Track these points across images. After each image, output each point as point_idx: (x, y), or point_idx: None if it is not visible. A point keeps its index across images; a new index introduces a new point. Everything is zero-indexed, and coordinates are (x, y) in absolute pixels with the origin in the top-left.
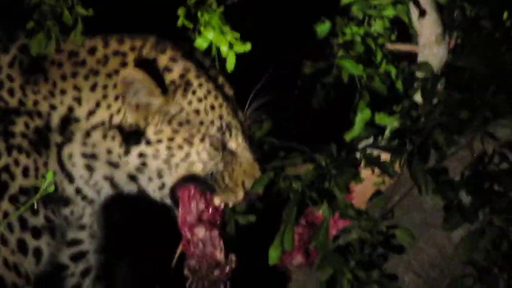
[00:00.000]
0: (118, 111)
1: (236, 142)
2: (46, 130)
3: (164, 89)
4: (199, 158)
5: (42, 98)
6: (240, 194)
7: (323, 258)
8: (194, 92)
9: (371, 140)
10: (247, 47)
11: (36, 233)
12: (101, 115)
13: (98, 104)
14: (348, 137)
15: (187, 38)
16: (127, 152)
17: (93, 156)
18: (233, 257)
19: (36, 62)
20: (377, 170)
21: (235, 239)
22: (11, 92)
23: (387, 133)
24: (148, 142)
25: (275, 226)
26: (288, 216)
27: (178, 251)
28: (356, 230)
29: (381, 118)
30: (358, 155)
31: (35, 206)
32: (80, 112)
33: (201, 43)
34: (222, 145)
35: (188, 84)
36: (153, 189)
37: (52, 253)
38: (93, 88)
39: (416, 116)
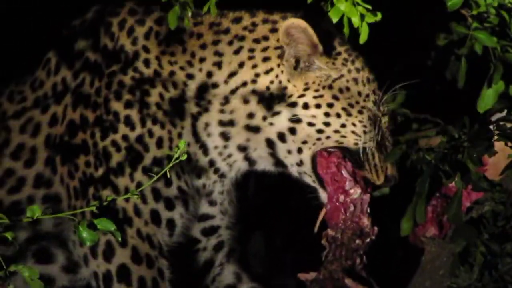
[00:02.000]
0: (268, 72)
1: (385, 121)
2: (181, 100)
3: (327, 51)
4: (354, 131)
5: (179, 68)
6: (382, 178)
7: (456, 230)
8: (353, 62)
9: (504, 112)
10: (378, 17)
11: (170, 204)
12: (244, 75)
13: (241, 65)
14: (481, 109)
15: (319, 11)
16: (275, 114)
17: (230, 123)
18: (376, 228)
19: (173, 33)
20: (510, 143)
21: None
22: (146, 63)
23: None
24: (306, 106)
25: (408, 198)
26: (420, 188)
27: (320, 217)
28: (490, 202)
29: None
30: (491, 127)
31: (168, 176)
32: (220, 76)
33: (334, 14)
34: (377, 121)
35: (348, 53)
36: (291, 163)
37: (185, 225)
38: (237, 51)
39: None
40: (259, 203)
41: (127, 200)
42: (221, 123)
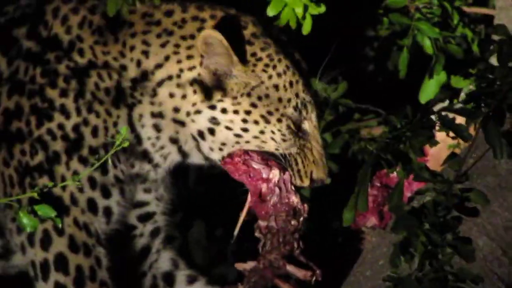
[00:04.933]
0: (191, 68)
1: (310, 123)
2: (116, 90)
3: (245, 60)
4: (273, 138)
5: (112, 58)
6: (306, 183)
7: (397, 220)
8: (274, 67)
9: (446, 103)
10: (322, 9)
11: (106, 192)
12: (169, 69)
13: (167, 58)
14: (423, 99)
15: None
16: (197, 112)
17: (160, 115)
18: (306, 205)
19: (107, 22)
20: (452, 133)
21: (310, 201)
22: (81, 53)
23: (462, 96)
24: (224, 111)
25: (349, 189)
26: (362, 178)
27: (240, 220)
28: (431, 193)
29: (457, 81)
30: (433, 118)
31: (108, 163)
32: (147, 65)
33: (274, 7)
34: (297, 126)
35: (269, 58)
36: (215, 160)
37: (122, 213)
38: (163, 45)
39: (492, 79)
40: (200, 192)
41: (63, 189)
42: (153, 114)
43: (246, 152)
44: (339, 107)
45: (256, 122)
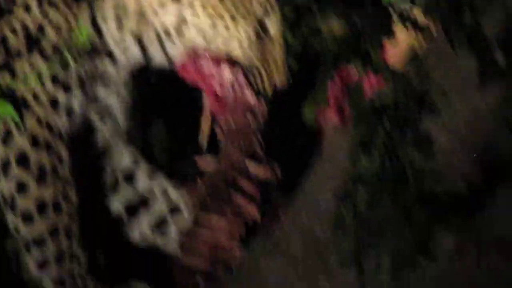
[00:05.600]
0: None
1: (273, 28)
2: None
3: None
4: (239, 39)
5: None
6: (270, 89)
7: (357, 117)
8: None
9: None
10: None
11: (68, 89)
12: None
13: None
14: None
15: None
16: (162, 6)
17: (123, 8)
18: (263, 104)
19: None
20: (412, 34)
21: (270, 101)
22: None
23: None
24: (191, 5)
25: (310, 87)
26: (323, 74)
27: (204, 123)
28: (391, 91)
29: None
30: (391, 11)
31: (68, 61)
32: None
33: None
34: (264, 28)
35: None
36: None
37: (83, 110)
38: None
39: None
40: (161, 91)
41: (25, 86)
42: (115, 7)
43: (198, 55)
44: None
45: (221, 18)
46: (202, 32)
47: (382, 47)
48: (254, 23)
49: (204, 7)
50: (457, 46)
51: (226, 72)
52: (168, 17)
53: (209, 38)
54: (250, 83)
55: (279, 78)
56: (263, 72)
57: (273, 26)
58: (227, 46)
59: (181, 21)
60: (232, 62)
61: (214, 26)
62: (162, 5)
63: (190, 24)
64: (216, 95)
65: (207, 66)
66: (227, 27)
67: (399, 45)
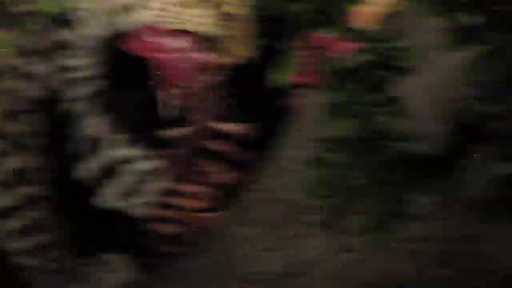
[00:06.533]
0: None
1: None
2: None
3: None
4: (201, 14)
5: None
6: (233, 61)
7: (328, 80)
8: None
9: None
10: None
11: (45, 53)
12: None
13: None
14: None
15: None
16: None
17: None
18: (213, 59)
19: None
20: None
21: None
22: None
23: None
24: None
25: (278, 51)
26: (291, 39)
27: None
28: (362, 53)
29: None
30: None
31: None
32: None
33: None
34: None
35: None
36: None
37: (47, 78)
38: None
39: None
40: (129, 61)
41: None
42: None
43: (141, 28)
44: None
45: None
46: (162, 10)
47: (351, 8)
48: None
49: None
50: (431, 5)
51: (175, 41)
52: None
53: (168, 15)
54: (205, 49)
55: (246, 46)
56: (226, 41)
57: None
58: (186, 21)
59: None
60: (184, 32)
61: (174, 4)
62: None
63: (152, 3)
64: (162, 63)
65: (153, 37)
66: (188, 6)
67: (373, 4)
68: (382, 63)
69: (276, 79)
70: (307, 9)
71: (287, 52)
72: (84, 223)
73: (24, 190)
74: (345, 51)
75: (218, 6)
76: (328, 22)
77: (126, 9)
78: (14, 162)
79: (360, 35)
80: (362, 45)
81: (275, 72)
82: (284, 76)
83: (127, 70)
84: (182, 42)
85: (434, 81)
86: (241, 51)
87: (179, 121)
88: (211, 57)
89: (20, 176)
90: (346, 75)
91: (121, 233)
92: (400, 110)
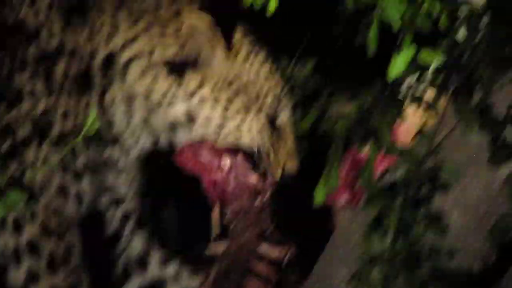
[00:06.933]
0: (165, 47)
1: (284, 116)
2: (87, 73)
3: (229, 47)
4: (251, 130)
5: (83, 40)
6: (278, 175)
7: (369, 197)
8: (255, 57)
9: (415, 78)
10: None
11: (77, 177)
12: (139, 46)
13: (137, 36)
14: (392, 75)
15: None
16: (173, 98)
17: (133, 97)
18: (270, 178)
19: (76, 3)
20: (421, 109)
21: (281, 185)
22: (51, 35)
23: (431, 70)
24: (203, 99)
25: (321, 168)
26: (333, 155)
27: (215, 216)
28: (402, 169)
29: (426, 55)
30: (402, 93)
31: (76, 149)
32: (117, 41)
33: None
34: (273, 119)
35: (249, 48)
36: None
37: (93, 198)
38: (135, 22)
39: (460, 53)
40: (170, 176)
41: (34, 174)
42: (124, 98)
43: (195, 144)
44: (308, 85)
45: (236, 113)
46: (213, 123)
47: (392, 126)
48: (266, 113)
49: (216, 100)
50: (467, 124)
51: (226, 160)
52: (179, 107)
53: (220, 130)
54: (254, 167)
55: (290, 162)
56: (272, 156)
57: (285, 114)
58: (236, 134)
59: (191, 113)
60: (235, 149)
61: (226, 120)
62: (173, 97)
63: (201, 116)
64: (214, 182)
65: (206, 155)
66: (240, 123)
67: (409, 122)
68: (422, 179)
69: (319, 196)
70: (349, 127)
71: (331, 169)
72: None
73: None
74: (386, 167)
75: (267, 121)
76: (369, 139)
77: (176, 123)
78: (57, 282)
79: (399, 151)
80: (402, 160)
81: (318, 189)
82: (326, 192)
83: (171, 186)
84: (231, 160)
85: (474, 196)
86: (287, 168)
87: (222, 239)
88: (258, 175)
89: None
90: (386, 190)
91: None
92: (439, 226)
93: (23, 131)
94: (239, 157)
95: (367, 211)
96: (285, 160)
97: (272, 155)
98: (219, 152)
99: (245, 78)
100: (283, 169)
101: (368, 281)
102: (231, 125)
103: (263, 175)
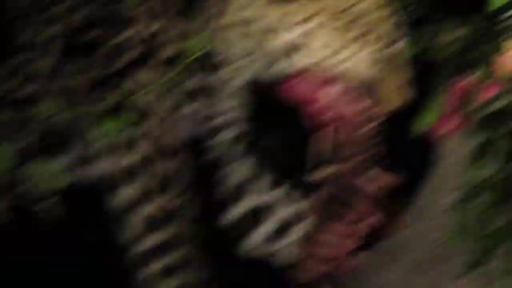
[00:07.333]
0: None
1: (398, 46)
2: None
3: None
4: (366, 59)
5: None
6: (390, 104)
7: (477, 122)
8: None
9: None
10: None
11: (191, 97)
12: None
13: None
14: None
15: None
16: (286, 30)
17: (246, 22)
18: (381, 107)
19: None
20: None
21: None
22: None
23: None
24: (318, 26)
25: (427, 93)
26: (441, 82)
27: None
28: (509, 96)
29: None
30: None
31: (189, 70)
32: None
33: None
34: (387, 48)
35: None
36: None
37: (203, 118)
38: None
39: None
40: (275, 103)
41: (146, 94)
42: (231, 24)
43: (304, 72)
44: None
45: (352, 41)
46: (327, 50)
47: (499, 53)
48: (380, 43)
49: (332, 27)
50: None
51: (329, 88)
52: (295, 33)
53: (334, 56)
54: (366, 95)
55: (402, 92)
56: (385, 85)
57: (398, 44)
58: (351, 62)
59: (307, 38)
60: (343, 79)
61: (341, 45)
62: (292, 21)
63: (316, 42)
64: (321, 109)
65: (312, 85)
66: (354, 47)
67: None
68: None
69: (422, 124)
70: (456, 54)
71: (435, 97)
72: (226, 266)
73: (171, 229)
74: (491, 94)
75: (376, 48)
76: (475, 66)
77: (281, 52)
78: (161, 201)
79: (505, 78)
80: (507, 87)
81: (422, 117)
82: (430, 121)
83: (274, 112)
84: (336, 89)
85: None
86: (396, 98)
87: (326, 164)
88: (365, 105)
89: (167, 216)
90: (491, 118)
91: (261, 279)
92: None
93: (133, 52)
94: (343, 84)
95: (473, 138)
96: (398, 90)
97: (385, 84)
98: (329, 80)
99: (359, 7)
100: (395, 99)
101: (472, 206)
102: (346, 52)
103: (375, 104)
